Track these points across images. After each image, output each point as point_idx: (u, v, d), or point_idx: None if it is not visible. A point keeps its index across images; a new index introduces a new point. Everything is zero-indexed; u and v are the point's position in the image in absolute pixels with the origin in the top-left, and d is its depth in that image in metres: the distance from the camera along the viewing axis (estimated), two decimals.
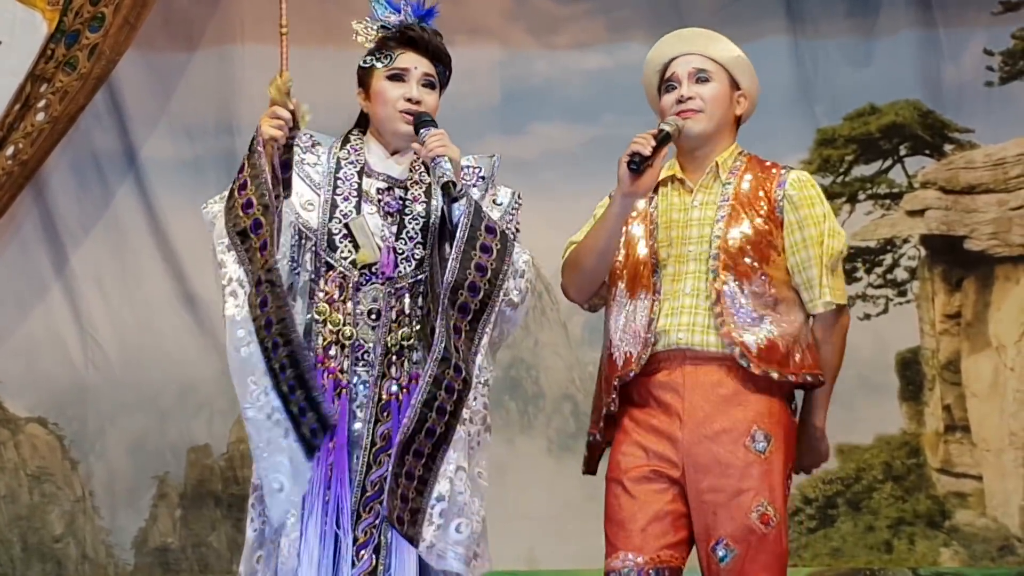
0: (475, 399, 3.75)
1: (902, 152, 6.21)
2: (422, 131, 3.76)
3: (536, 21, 6.17)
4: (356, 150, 3.89)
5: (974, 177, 6.14)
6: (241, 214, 3.61)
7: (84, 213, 5.98)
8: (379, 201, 3.83)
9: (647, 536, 3.91)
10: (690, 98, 3.98)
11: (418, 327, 3.77)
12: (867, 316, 6.19)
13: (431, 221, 3.83)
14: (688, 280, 3.96)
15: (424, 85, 3.86)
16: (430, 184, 3.84)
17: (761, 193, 4.03)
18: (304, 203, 3.78)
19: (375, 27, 3.90)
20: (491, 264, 3.72)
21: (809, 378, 4.00)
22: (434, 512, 3.66)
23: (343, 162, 3.86)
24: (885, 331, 6.19)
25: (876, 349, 6.19)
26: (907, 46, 6.14)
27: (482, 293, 3.70)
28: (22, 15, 5.00)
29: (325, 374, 3.72)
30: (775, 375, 3.93)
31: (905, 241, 6.19)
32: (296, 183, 3.77)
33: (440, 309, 3.65)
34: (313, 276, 3.79)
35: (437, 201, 3.83)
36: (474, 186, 3.90)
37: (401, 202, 3.84)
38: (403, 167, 3.88)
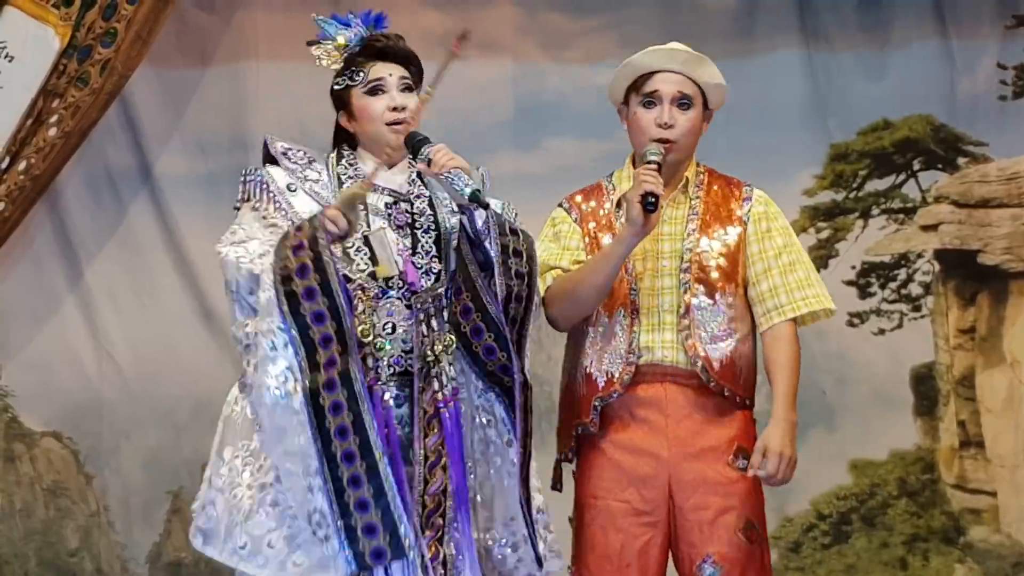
0: None
1: (916, 167, 6.19)
2: (423, 150, 3.73)
3: (548, 36, 6.16)
4: (353, 165, 3.86)
5: (988, 191, 6.12)
6: (305, 304, 3.55)
7: (98, 228, 5.99)
8: (389, 215, 3.81)
9: (632, 573, 3.95)
10: (671, 126, 3.97)
11: (448, 339, 3.77)
12: (881, 331, 6.19)
13: (442, 233, 3.82)
14: (666, 296, 3.98)
15: (403, 90, 3.84)
16: (431, 196, 3.85)
17: (729, 207, 4.07)
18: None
19: (334, 47, 3.87)
20: (524, 267, 3.74)
21: (748, 401, 4.05)
22: (539, 526, 3.77)
23: (343, 177, 3.83)
24: (899, 346, 6.18)
25: (891, 364, 6.18)
26: (920, 60, 6.13)
27: (525, 299, 3.74)
28: (35, 31, 5.00)
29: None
30: (727, 392, 3.97)
31: (919, 256, 6.18)
32: (303, 201, 3.76)
33: (507, 335, 3.69)
34: None
35: (443, 213, 3.84)
36: None
37: (409, 215, 3.83)
38: (403, 179, 3.88)
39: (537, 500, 3.78)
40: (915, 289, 6.19)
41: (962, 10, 6.11)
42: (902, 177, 6.22)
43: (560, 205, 4.17)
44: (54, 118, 5.19)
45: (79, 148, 5.48)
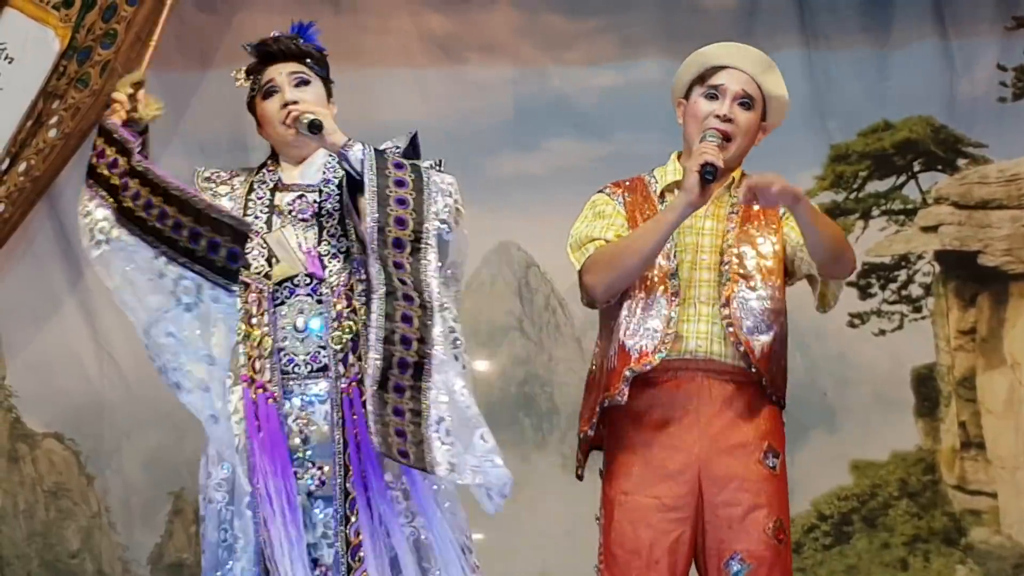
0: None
1: (916, 168, 6.20)
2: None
3: (548, 38, 6.17)
4: (271, 171, 3.92)
5: (988, 192, 6.12)
6: (107, 172, 3.75)
7: None
8: (290, 212, 3.84)
9: (661, 569, 3.93)
10: (729, 120, 3.97)
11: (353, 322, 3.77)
12: (882, 332, 6.19)
13: (346, 209, 3.82)
14: (703, 288, 3.98)
15: (297, 85, 3.87)
16: (342, 179, 3.83)
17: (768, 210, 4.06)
18: None
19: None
20: (410, 195, 3.71)
21: (777, 398, 4.04)
22: (440, 433, 3.61)
23: (256, 183, 3.89)
24: (900, 347, 6.18)
25: (891, 365, 6.19)
26: (920, 61, 6.14)
27: (411, 223, 3.69)
28: (35, 32, 5.00)
29: (255, 389, 3.72)
30: (764, 382, 3.97)
31: (920, 257, 6.19)
32: None
33: (371, 251, 3.65)
34: (238, 293, 3.76)
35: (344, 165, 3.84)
36: None
37: (316, 205, 3.84)
38: (314, 170, 3.90)
39: (439, 410, 3.63)
40: (915, 290, 6.19)
41: (962, 11, 6.11)
42: (902, 178, 6.22)
43: (601, 191, 4.15)
44: (54, 119, 5.18)
45: (79, 149, 5.48)
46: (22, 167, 5.19)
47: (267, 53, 3.92)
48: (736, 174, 4.07)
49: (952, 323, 6.15)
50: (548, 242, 5.90)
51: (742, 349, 3.93)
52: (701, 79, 4.04)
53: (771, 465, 3.99)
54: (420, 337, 3.64)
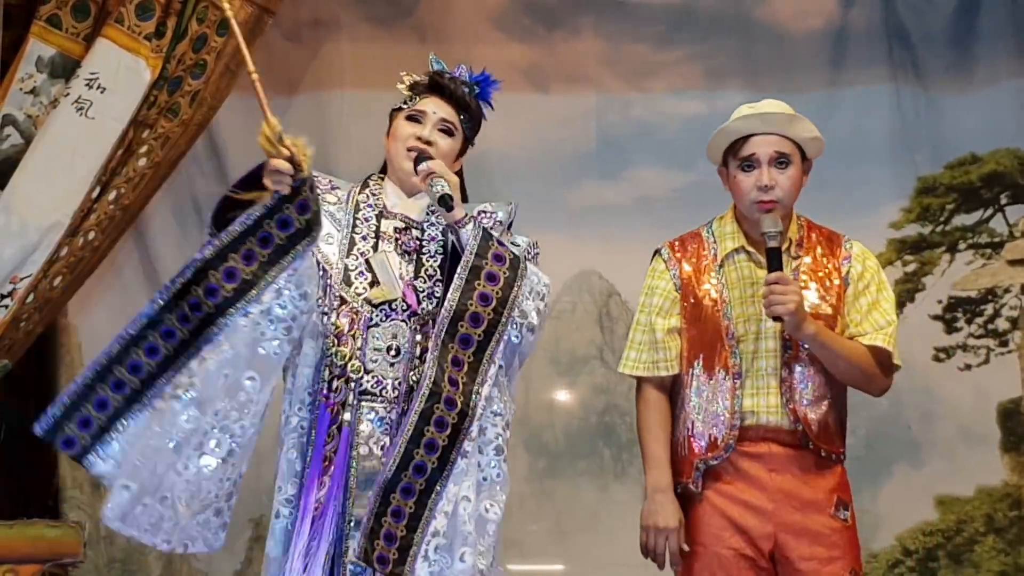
0: (486, 429, 3.70)
1: (1003, 201, 6.17)
2: (419, 166, 3.79)
3: (632, 67, 6.19)
4: (375, 194, 3.93)
5: None
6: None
7: (185, 257, 5.97)
8: (396, 240, 3.86)
9: None
10: (771, 187, 4.00)
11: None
12: (968, 367, 6.15)
13: (448, 258, 3.83)
14: (769, 359, 4.02)
15: (441, 130, 3.89)
16: (447, 225, 3.83)
17: (830, 265, 4.09)
18: (324, 235, 3.77)
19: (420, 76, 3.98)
20: (496, 293, 3.70)
21: (842, 455, 4.10)
22: (429, 548, 3.60)
23: (362, 204, 3.90)
24: (986, 382, 6.15)
25: (977, 399, 6.14)
26: (1008, 95, 6.13)
27: (486, 323, 3.68)
28: (127, 62, 5.04)
29: (326, 408, 3.73)
30: (823, 453, 4.04)
31: (1006, 291, 6.14)
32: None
33: (435, 341, 3.63)
34: (325, 310, 3.78)
35: (452, 236, 3.85)
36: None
37: (418, 242, 3.86)
38: (420, 208, 3.91)
39: (439, 522, 3.62)
40: (1002, 324, 6.15)
41: None
42: (989, 211, 6.18)
43: (658, 252, 4.21)
44: (144, 148, 5.22)
45: (168, 178, 5.53)
46: (112, 195, 5.23)
47: (437, 84, 3.94)
48: (792, 232, 4.09)
49: None
50: (630, 271, 5.87)
51: (801, 426, 4.00)
52: (733, 150, 4.07)
53: (843, 517, 4.06)
54: (447, 444, 3.61)
